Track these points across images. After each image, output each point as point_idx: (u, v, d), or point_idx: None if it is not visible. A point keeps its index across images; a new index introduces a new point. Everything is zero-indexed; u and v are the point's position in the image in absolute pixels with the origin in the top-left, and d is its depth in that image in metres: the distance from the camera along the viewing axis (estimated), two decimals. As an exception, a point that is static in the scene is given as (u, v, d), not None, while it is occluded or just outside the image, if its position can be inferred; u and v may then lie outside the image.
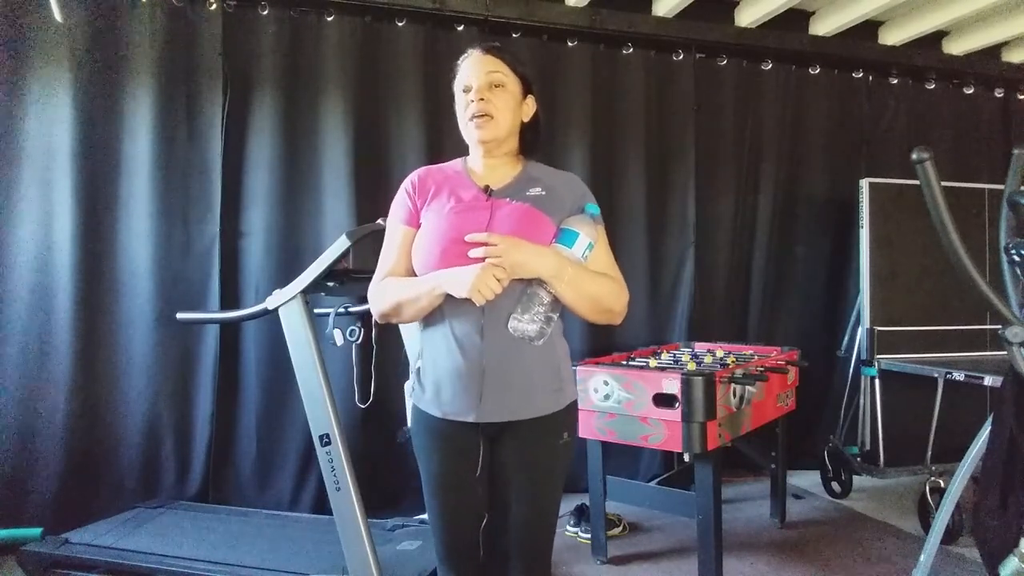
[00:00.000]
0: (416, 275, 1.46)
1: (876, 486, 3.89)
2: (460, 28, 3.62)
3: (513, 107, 1.50)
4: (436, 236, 1.44)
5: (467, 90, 1.49)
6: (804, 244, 4.28)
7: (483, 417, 1.42)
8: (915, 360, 3.61)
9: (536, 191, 1.47)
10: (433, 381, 1.46)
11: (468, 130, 1.50)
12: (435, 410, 1.47)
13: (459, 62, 1.54)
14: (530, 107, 1.55)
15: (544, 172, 1.55)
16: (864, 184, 3.75)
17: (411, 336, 2.59)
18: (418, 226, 1.50)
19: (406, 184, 1.55)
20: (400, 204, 1.54)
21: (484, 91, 1.46)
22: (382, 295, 1.49)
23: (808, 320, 4.26)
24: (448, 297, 1.39)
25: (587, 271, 1.43)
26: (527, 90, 1.54)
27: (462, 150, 1.61)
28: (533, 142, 1.57)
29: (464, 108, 1.49)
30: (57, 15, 2.88)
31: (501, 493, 1.48)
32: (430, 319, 1.47)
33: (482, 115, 1.46)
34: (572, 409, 1.53)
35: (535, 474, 1.47)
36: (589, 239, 1.42)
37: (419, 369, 1.51)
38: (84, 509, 2.97)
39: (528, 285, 1.39)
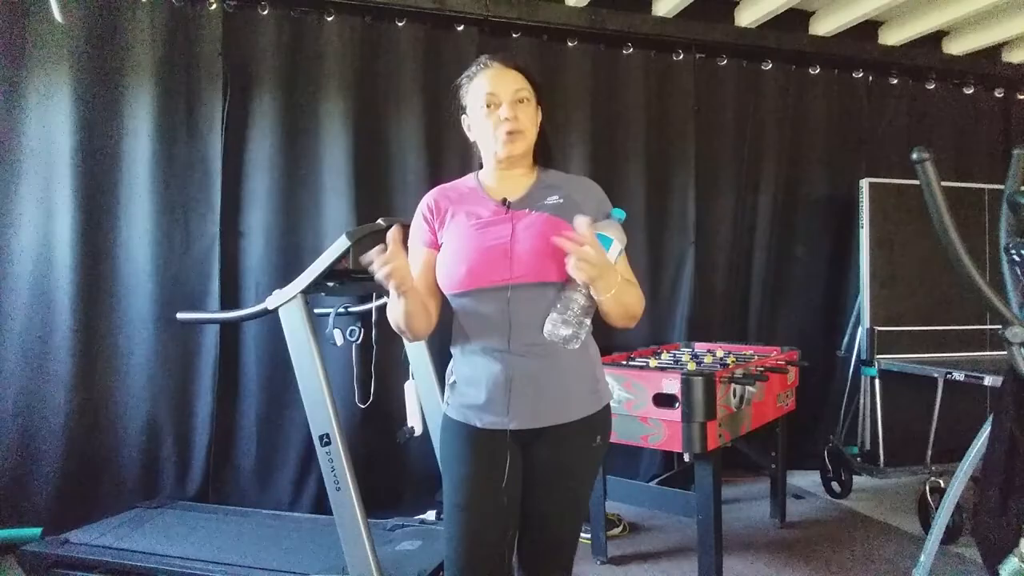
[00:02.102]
0: (440, 292, 1.48)
1: (876, 486, 3.89)
2: (460, 28, 3.62)
3: (536, 120, 1.52)
4: (461, 255, 1.43)
5: (492, 104, 1.47)
6: (804, 244, 4.29)
7: (517, 425, 1.43)
8: (915, 360, 3.61)
9: (554, 199, 1.47)
10: (466, 393, 1.47)
11: (497, 144, 1.47)
12: (470, 420, 1.47)
13: (475, 71, 1.51)
14: (539, 116, 1.55)
15: (559, 179, 1.55)
16: (864, 184, 3.75)
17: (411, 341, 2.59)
18: (438, 247, 1.49)
19: (422, 207, 1.54)
20: (418, 227, 1.53)
21: (514, 109, 1.46)
22: (391, 314, 1.45)
23: (808, 320, 4.26)
24: (473, 316, 1.44)
25: (624, 280, 1.41)
26: (539, 100, 1.54)
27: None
28: (545, 150, 1.57)
29: (492, 124, 1.47)
30: (57, 15, 2.87)
31: (533, 497, 1.48)
32: (458, 336, 1.49)
33: (517, 131, 1.46)
34: (607, 411, 1.53)
35: (568, 478, 1.48)
36: (620, 245, 1.41)
37: (452, 383, 1.52)
38: (84, 509, 2.97)
39: (563, 289, 1.38)
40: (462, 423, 1.48)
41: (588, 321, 1.41)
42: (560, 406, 1.44)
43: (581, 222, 1.31)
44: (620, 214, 1.45)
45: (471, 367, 1.46)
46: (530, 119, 1.49)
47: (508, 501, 1.45)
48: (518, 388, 1.42)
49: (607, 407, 1.53)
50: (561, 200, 1.47)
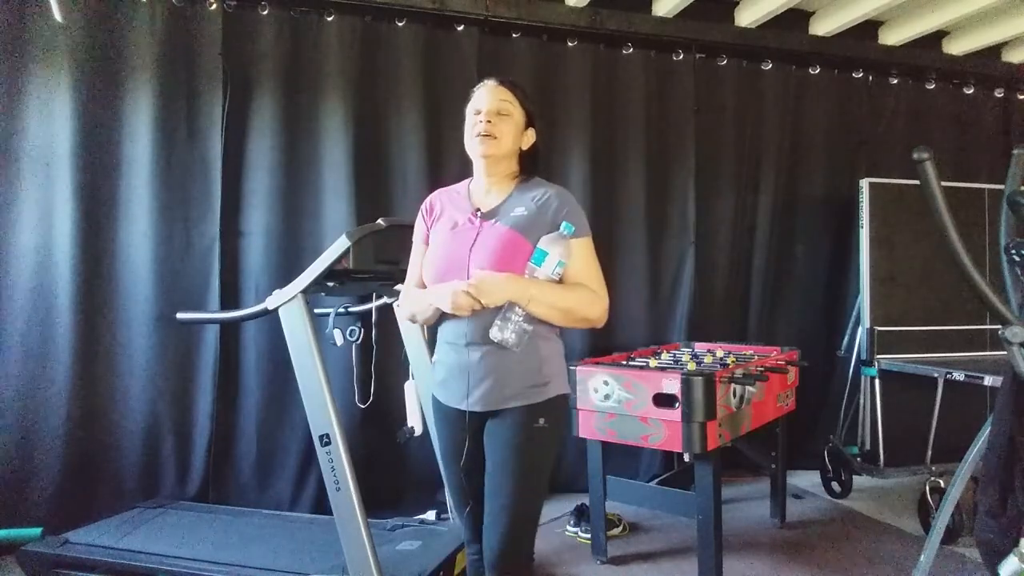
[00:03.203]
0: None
1: (876, 486, 3.89)
2: (460, 28, 3.62)
3: (515, 133, 1.70)
4: (435, 257, 1.70)
5: (477, 112, 1.69)
6: (804, 244, 4.29)
7: (471, 407, 1.67)
8: (915, 360, 3.61)
9: (519, 212, 1.66)
10: (441, 375, 1.76)
11: (472, 146, 1.69)
12: (443, 399, 1.76)
13: (474, 90, 1.75)
14: (530, 138, 1.75)
15: (537, 190, 1.71)
16: (864, 184, 3.75)
17: (410, 339, 2.60)
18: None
19: (422, 208, 1.81)
20: (418, 225, 1.81)
21: (492, 115, 1.67)
22: (405, 303, 1.78)
23: (808, 320, 4.26)
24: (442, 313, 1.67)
25: (553, 287, 1.61)
26: (530, 123, 1.74)
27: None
28: (532, 167, 1.76)
29: (471, 126, 1.70)
30: (57, 15, 2.88)
31: (488, 466, 1.67)
32: (438, 324, 1.74)
33: (487, 134, 1.66)
34: (557, 401, 1.69)
35: (514, 450, 1.63)
36: (559, 257, 1.60)
37: (435, 362, 1.81)
38: (84, 509, 2.97)
39: (506, 302, 1.59)
40: (438, 399, 1.78)
41: (529, 328, 1.59)
42: (501, 395, 1.64)
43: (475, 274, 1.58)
44: (568, 228, 1.63)
45: (443, 354, 1.74)
46: (508, 129, 1.68)
47: (470, 460, 1.72)
48: (472, 378, 1.65)
49: (559, 398, 1.69)
50: (525, 213, 1.66)
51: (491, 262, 1.60)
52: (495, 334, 1.57)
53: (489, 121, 1.66)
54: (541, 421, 1.65)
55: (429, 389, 2.55)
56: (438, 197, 1.79)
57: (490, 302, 1.55)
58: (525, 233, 1.63)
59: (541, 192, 1.70)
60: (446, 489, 1.86)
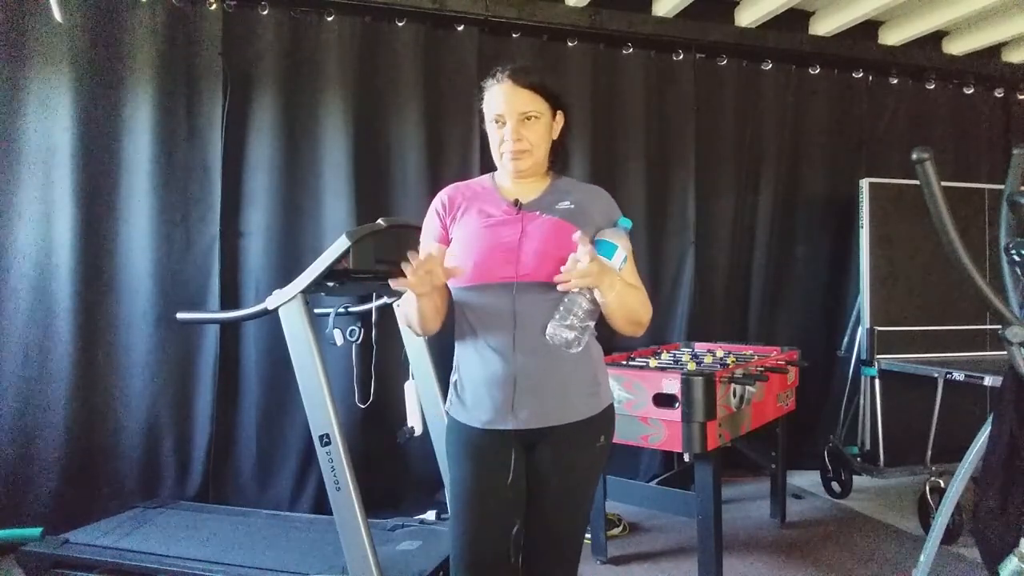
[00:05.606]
0: (449, 288, 1.51)
1: (876, 486, 3.89)
2: (460, 28, 3.62)
3: (547, 135, 1.53)
4: (468, 250, 1.47)
5: (499, 122, 1.49)
6: (804, 244, 4.29)
7: (519, 424, 1.45)
8: (915, 360, 3.61)
9: (565, 204, 1.50)
10: (470, 393, 1.50)
11: (503, 162, 1.52)
12: (473, 421, 1.50)
13: (491, 83, 1.52)
14: (559, 123, 1.56)
15: (572, 186, 1.57)
16: (864, 184, 3.75)
17: (411, 339, 2.60)
18: (448, 242, 1.53)
19: (435, 203, 1.58)
20: (430, 222, 1.57)
21: (519, 129, 1.47)
22: (403, 309, 1.54)
23: (808, 320, 4.26)
24: (478, 312, 1.47)
25: (628, 284, 1.44)
26: (556, 107, 1.54)
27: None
28: (562, 157, 1.59)
29: (498, 142, 1.51)
30: (57, 15, 2.87)
31: (537, 497, 1.51)
32: (463, 333, 1.51)
33: (518, 151, 1.48)
34: (608, 412, 1.55)
35: (571, 478, 1.51)
36: (625, 252, 1.44)
37: (455, 382, 1.55)
38: (84, 509, 2.97)
39: (566, 293, 1.39)
40: (464, 423, 1.51)
41: (591, 325, 1.42)
42: (560, 407, 1.47)
43: (579, 237, 1.34)
44: (626, 223, 1.48)
45: (474, 366, 1.49)
46: (539, 136, 1.50)
47: (513, 498, 1.48)
48: (520, 388, 1.44)
49: (609, 408, 1.55)
50: (572, 206, 1.50)
51: (544, 253, 1.42)
52: (553, 331, 1.38)
53: (518, 139, 1.47)
54: (601, 439, 1.51)
55: (429, 390, 2.59)
56: (457, 192, 1.57)
57: (604, 286, 1.35)
58: (576, 225, 1.44)
59: (582, 187, 1.58)
60: (461, 557, 1.49)
